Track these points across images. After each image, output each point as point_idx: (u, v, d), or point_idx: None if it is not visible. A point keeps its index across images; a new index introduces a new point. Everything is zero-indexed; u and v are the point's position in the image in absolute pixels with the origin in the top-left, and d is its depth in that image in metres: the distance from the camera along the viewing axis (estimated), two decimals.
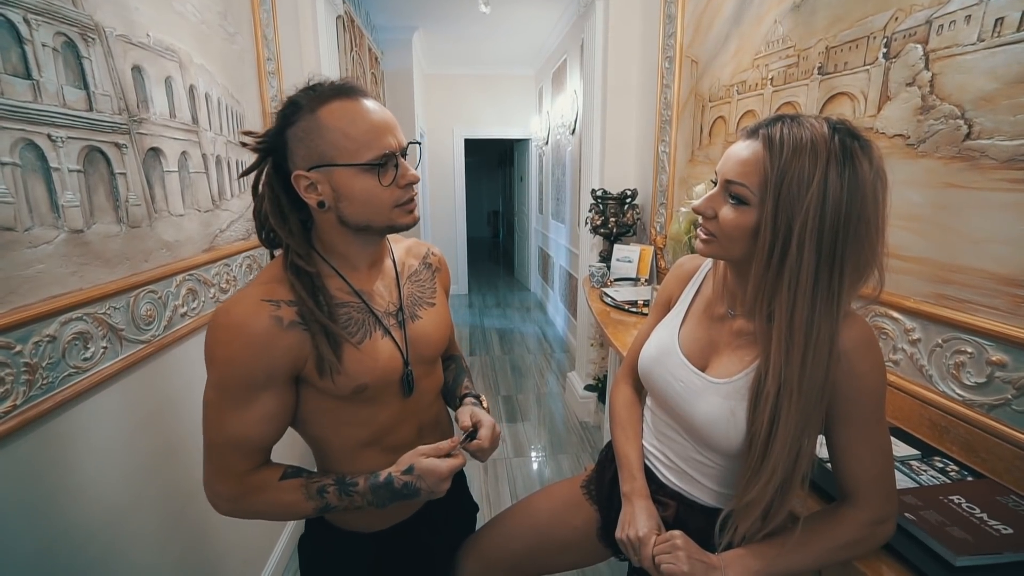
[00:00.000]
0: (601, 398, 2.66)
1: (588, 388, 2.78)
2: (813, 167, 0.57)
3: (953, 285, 0.90)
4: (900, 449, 0.90)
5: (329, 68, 2.18)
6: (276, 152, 0.69)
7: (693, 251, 0.89)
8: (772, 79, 1.36)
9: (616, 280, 2.16)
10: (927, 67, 0.94)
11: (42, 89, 0.84)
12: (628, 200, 2.30)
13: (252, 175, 0.74)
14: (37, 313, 0.81)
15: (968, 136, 0.87)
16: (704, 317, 0.78)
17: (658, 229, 2.15)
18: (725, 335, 0.74)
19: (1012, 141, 0.80)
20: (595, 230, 2.35)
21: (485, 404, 0.88)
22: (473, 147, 6.83)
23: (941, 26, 0.91)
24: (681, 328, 0.80)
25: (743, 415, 0.67)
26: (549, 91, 4.48)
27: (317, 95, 0.66)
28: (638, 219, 2.32)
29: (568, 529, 0.94)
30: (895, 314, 1.02)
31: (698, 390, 0.73)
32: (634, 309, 1.73)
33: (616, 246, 2.23)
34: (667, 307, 0.87)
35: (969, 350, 0.88)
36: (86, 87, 0.93)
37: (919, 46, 0.95)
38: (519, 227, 6.62)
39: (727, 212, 0.65)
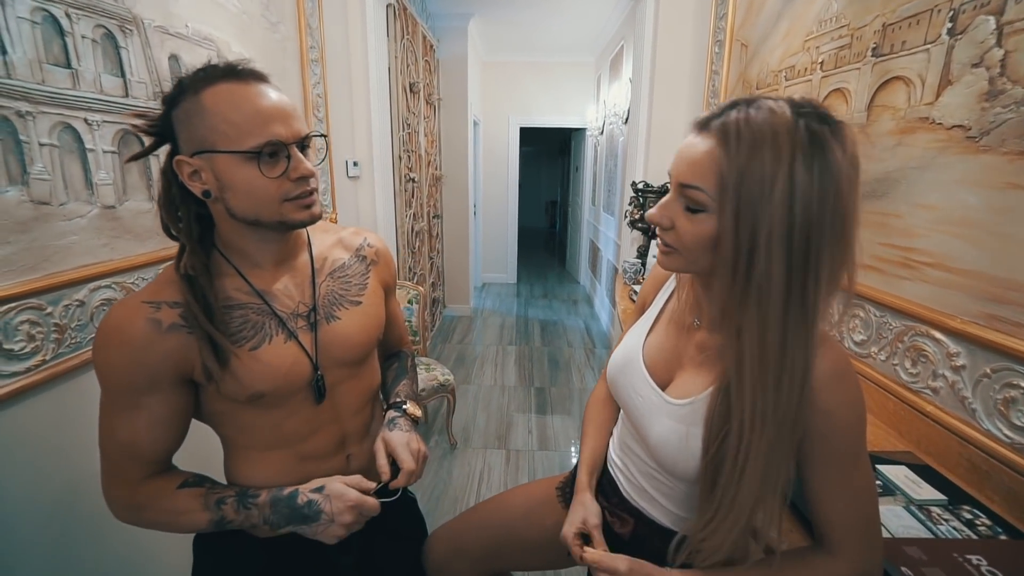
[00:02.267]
0: None
1: None
2: (776, 162, 0.49)
3: (1009, 305, 0.77)
4: (922, 491, 0.78)
5: (376, 56, 2.24)
6: (170, 137, 0.63)
7: None
8: (822, 63, 1.22)
9: None
10: (999, 43, 0.80)
11: (80, 77, 0.92)
12: None
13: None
14: (68, 279, 0.90)
15: None
16: (672, 325, 0.72)
17: None
18: (690, 348, 0.67)
19: None
20: (633, 224, 2.26)
21: (412, 411, 0.81)
22: (533, 136, 6.78)
23: None
24: (648, 335, 0.74)
25: (698, 441, 0.60)
26: (607, 79, 4.33)
27: (205, 76, 0.60)
28: None
29: (539, 529, 0.91)
30: (937, 334, 0.89)
31: (654, 408, 0.67)
32: None
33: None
34: (642, 311, 0.81)
35: (1023, 384, 0.75)
36: (123, 75, 1.01)
37: (991, 18, 0.81)
38: (573, 218, 6.51)
39: (684, 222, 0.56)
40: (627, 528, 0.76)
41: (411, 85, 2.95)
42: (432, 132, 3.70)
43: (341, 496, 0.65)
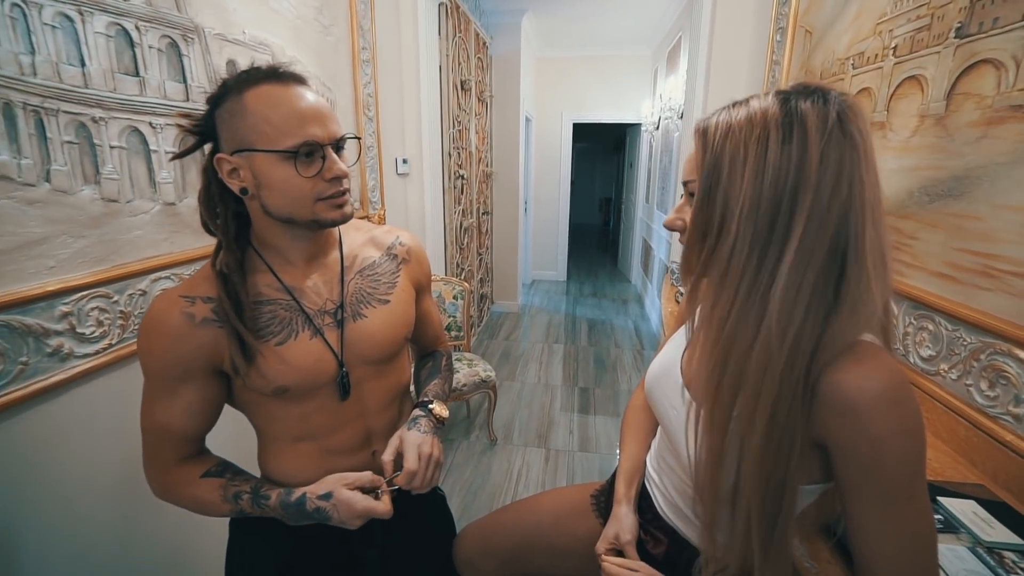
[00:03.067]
0: None
1: None
2: (748, 143, 0.50)
3: None
4: (994, 532, 0.69)
5: (427, 55, 2.28)
6: (213, 137, 0.66)
7: None
8: (895, 48, 1.10)
9: None
10: None
11: (146, 84, 1.00)
12: None
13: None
14: (133, 271, 0.98)
15: None
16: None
17: None
18: None
19: None
20: None
21: (439, 412, 0.80)
22: (588, 132, 6.67)
23: None
24: (687, 347, 0.70)
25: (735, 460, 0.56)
26: (663, 72, 4.17)
27: (248, 77, 0.63)
28: None
29: (569, 537, 0.90)
30: (1022, 354, 0.78)
31: (691, 422, 0.63)
32: None
33: None
34: (684, 320, 0.77)
35: None
36: (184, 81, 1.09)
37: None
38: (626, 216, 6.35)
39: (689, 214, 0.58)
40: (661, 548, 0.73)
41: (463, 82, 2.98)
42: (484, 129, 3.73)
43: (348, 504, 0.65)
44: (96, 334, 0.92)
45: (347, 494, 0.66)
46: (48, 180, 0.83)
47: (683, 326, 0.76)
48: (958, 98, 0.92)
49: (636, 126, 5.45)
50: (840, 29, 1.34)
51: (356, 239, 0.81)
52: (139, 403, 0.97)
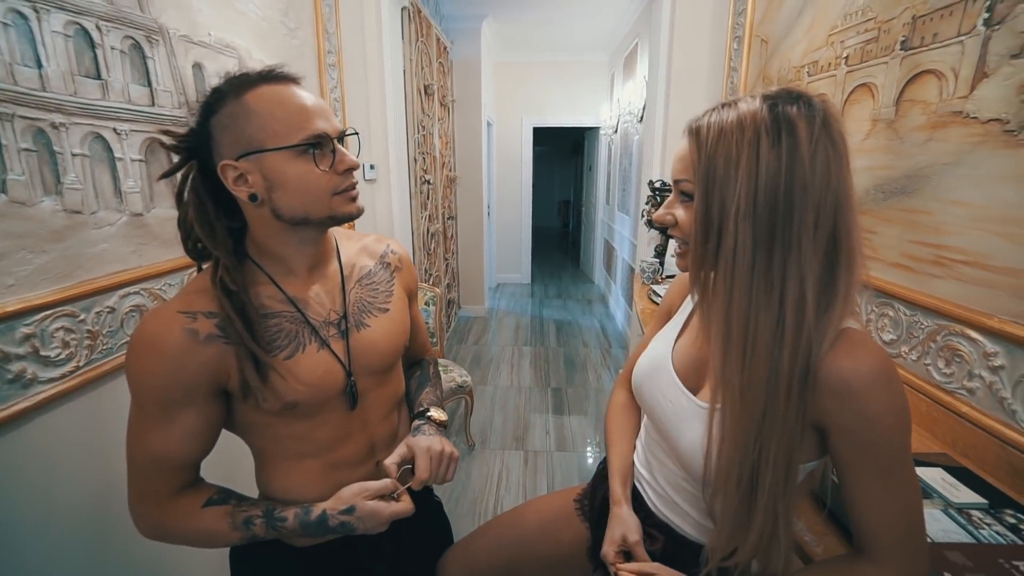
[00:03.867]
0: None
1: None
2: (740, 145, 0.52)
3: None
4: (961, 494, 0.76)
5: (392, 59, 2.25)
6: (200, 152, 0.63)
7: None
8: (847, 57, 1.19)
9: (668, 277, 2.04)
10: None
11: (110, 87, 0.94)
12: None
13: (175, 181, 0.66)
14: (100, 287, 0.92)
15: None
16: (700, 330, 0.71)
17: None
18: None
19: None
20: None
21: (437, 417, 0.81)
22: (546, 135, 6.77)
23: None
24: (677, 341, 0.73)
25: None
26: (620, 77, 4.31)
27: (242, 81, 0.61)
28: None
29: (555, 545, 0.89)
30: (973, 334, 0.86)
31: (685, 413, 0.66)
32: None
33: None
34: (668, 316, 0.80)
35: None
36: (149, 84, 1.03)
37: None
38: (586, 218, 6.48)
39: (681, 213, 0.61)
40: (657, 545, 0.74)
41: (426, 87, 2.96)
42: (446, 134, 3.72)
43: (374, 514, 0.65)
44: (62, 356, 0.86)
45: (370, 505, 0.65)
46: (4, 191, 0.77)
47: (668, 321, 0.79)
48: (906, 104, 1.01)
49: (594, 130, 5.59)
50: (794, 39, 1.44)
51: (351, 248, 0.81)
52: (112, 429, 0.91)
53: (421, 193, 2.97)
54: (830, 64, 1.26)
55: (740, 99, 0.56)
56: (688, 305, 0.76)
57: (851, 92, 1.17)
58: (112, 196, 0.95)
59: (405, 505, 0.67)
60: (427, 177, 3.09)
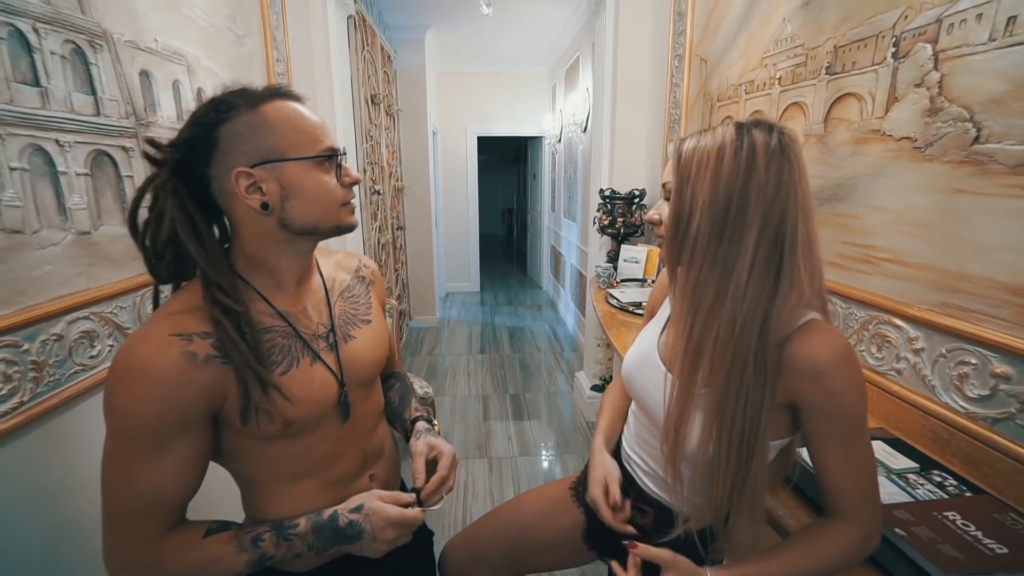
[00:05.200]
0: None
1: (594, 388, 2.77)
2: (711, 154, 0.63)
3: (959, 294, 0.88)
4: (898, 461, 0.88)
5: (339, 68, 2.20)
6: (192, 163, 0.61)
7: None
8: (780, 78, 1.33)
9: (623, 281, 2.14)
10: (936, 67, 0.91)
11: (50, 96, 0.87)
12: (636, 200, 2.28)
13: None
14: (44, 313, 0.84)
15: (976, 140, 0.84)
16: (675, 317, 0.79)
17: None
18: None
19: (1019, 147, 0.77)
20: (603, 230, 2.34)
21: (438, 429, 0.85)
22: (488, 144, 6.85)
23: (951, 25, 0.88)
24: (662, 334, 0.80)
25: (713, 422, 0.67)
26: (562, 88, 4.46)
27: (252, 95, 0.62)
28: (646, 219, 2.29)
29: (554, 530, 0.95)
30: (899, 322, 0.99)
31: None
32: (639, 311, 1.72)
33: (624, 246, 2.22)
34: (651, 316, 0.87)
35: (973, 361, 0.85)
36: (93, 92, 0.96)
37: (928, 46, 0.92)
38: (532, 225, 6.61)
39: (665, 210, 0.70)
40: (648, 519, 0.81)
41: (373, 96, 2.92)
42: (393, 143, 3.67)
43: (380, 513, 0.66)
44: (3, 392, 0.77)
45: (377, 503, 0.67)
46: None
47: (654, 316, 0.87)
48: (833, 121, 1.15)
49: (538, 139, 5.72)
50: (732, 59, 1.57)
51: (328, 263, 0.83)
52: (63, 469, 0.85)
53: (371, 204, 2.92)
54: (765, 84, 1.40)
55: (719, 126, 0.67)
56: (669, 303, 0.82)
57: (785, 109, 1.31)
58: (56, 213, 0.88)
59: (414, 512, 0.68)
60: (376, 187, 3.04)
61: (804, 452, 0.95)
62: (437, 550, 1.02)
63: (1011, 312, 0.79)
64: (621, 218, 2.27)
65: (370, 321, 0.81)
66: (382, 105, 3.17)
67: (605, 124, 2.45)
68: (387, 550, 0.67)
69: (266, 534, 0.64)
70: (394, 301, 2.38)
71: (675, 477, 0.70)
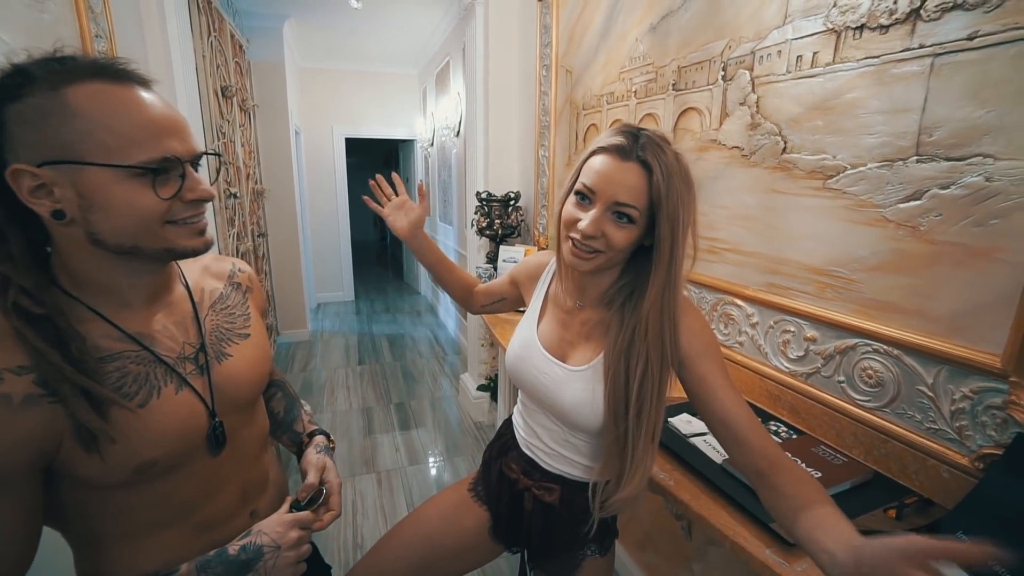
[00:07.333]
0: (493, 397, 2.70)
1: (481, 388, 2.80)
2: (680, 189, 0.69)
3: (779, 275, 1.07)
4: None
5: (181, 52, 1.92)
6: None
7: None
8: (636, 92, 1.50)
9: None
10: (753, 90, 1.10)
11: None
12: (512, 202, 2.37)
13: None
14: None
15: (784, 150, 1.04)
16: (556, 311, 0.86)
17: (540, 230, 2.25)
18: (576, 325, 0.82)
19: (812, 156, 0.97)
20: (481, 232, 2.39)
21: (333, 443, 0.81)
22: (356, 147, 6.53)
23: (762, 57, 1.07)
24: (539, 324, 0.86)
25: (601, 394, 0.75)
26: (433, 92, 4.45)
27: (65, 69, 0.49)
28: (522, 220, 2.40)
29: (460, 533, 0.94)
30: (739, 302, 1.18)
31: (562, 379, 0.80)
32: (521, 308, 1.78)
33: (502, 247, 2.28)
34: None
35: (792, 329, 1.05)
36: None
37: (747, 72, 1.11)
38: None
39: (614, 231, 0.70)
40: (554, 496, 0.85)
41: (223, 89, 2.60)
42: (249, 142, 3.31)
43: (270, 522, 0.62)
44: None
45: (265, 520, 0.62)
46: None
47: (525, 313, 0.91)
48: (680, 131, 1.33)
49: (410, 142, 5.62)
50: (594, 72, 1.73)
51: (193, 270, 0.71)
52: None
53: (227, 208, 2.59)
54: (623, 95, 1.56)
55: (651, 135, 0.70)
56: (540, 292, 0.90)
57: (641, 119, 1.47)
58: None
59: (305, 512, 0.65)
60: (232, 190, 2.71)
61: (678, 421, 1.08)
62: None
63: (815, 287, 1.00)
64: (499, 220, 2.34)
65: (249, 335, 0.71)
66: (235, 99, 2.84)
67: (479, 128, 2.50)
68: (296, 561, 0.61)
69: None
70: None
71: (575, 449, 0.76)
